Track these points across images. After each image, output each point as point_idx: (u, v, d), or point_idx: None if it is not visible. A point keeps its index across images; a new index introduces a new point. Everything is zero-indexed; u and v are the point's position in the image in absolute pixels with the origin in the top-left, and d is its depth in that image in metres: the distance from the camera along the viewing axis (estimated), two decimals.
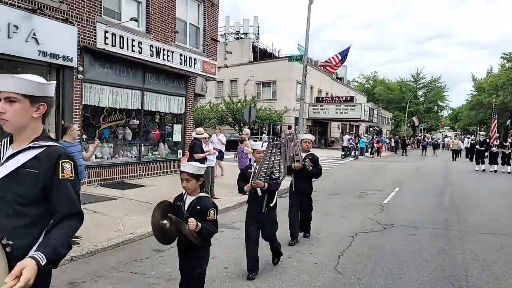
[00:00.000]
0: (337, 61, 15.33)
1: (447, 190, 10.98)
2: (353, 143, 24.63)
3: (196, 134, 7.82)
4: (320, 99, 33.10)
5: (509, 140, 16.72)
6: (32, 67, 7.92)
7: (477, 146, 18.08)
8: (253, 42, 35.08)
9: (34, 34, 7.35)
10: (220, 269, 4.37)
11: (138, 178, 10.39)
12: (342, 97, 33.02)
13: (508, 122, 19.30)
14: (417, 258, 4.88)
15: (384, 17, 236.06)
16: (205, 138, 8.00)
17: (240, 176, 4.28)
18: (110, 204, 7.29)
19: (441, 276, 4.31)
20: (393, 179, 13.43)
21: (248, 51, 33.43)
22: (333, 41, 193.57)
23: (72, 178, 1.69)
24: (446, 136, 56.93)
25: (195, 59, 12.24)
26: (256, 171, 4.04)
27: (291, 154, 5.22)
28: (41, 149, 1.67)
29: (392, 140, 35.97)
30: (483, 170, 16.54)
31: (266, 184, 4.03)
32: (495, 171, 16.21)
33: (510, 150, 16.14)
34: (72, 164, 1.71)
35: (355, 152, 24.32)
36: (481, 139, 18.31)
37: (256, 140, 11.17)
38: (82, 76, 8.62)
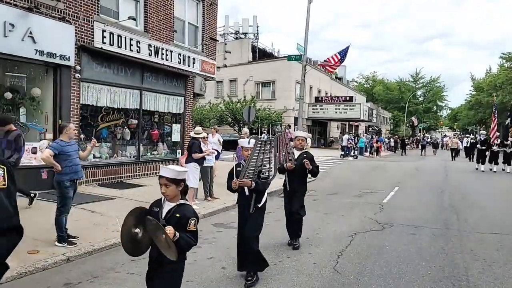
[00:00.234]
0: (336, 60, 15.30)
1: (446, 190, 10.95)
2: (353, 143, 24.63)
3: (195, 133, 7.77)
4: (320, 99, 33.09)
5: (510, 139, 16.67)
6: (29, 66, 7.89)
7: (478, 146, 18.04)
8: (252, 42, 35.02)
9: (30, 33, 7.30)
10: (218, 269, 4.32)
11: (137, 178, 10.35)
12: (341, 97, 33.01)
13: (508, 121, 19.25)
14: (417, 258, 4.85)
15: (384, 17, 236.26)
16: (204, 138, 7.96)
17: (229, 174, 4.08)
18: (108, 204, 7.24)
19: (441, 276, 4.27)
20: (393, 178, 13.41)
21: (247, 51, 33.38)
22: (333, 41, 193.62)
23: (5, 186, 1.45)
24: (445, 136, 56.97)
25: (194, 59, 12.19)
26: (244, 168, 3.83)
27: (283, 153, 4.99)
28: None
29: (392, 139, 36.01)
30: (482, 171, 16.48)
31: (254, 183, 3.84)
32: (495, 171, 16.18)
33: (511, 149, 16.09)
34: (5, 169, 1.47)
35: (354, 152, 24.31)
36: (482, 138, 18.27)
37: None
38: (79, 76, 8.57)
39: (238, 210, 4.17)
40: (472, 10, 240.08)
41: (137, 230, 2.50)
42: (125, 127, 10.52)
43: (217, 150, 11.05)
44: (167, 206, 2.58)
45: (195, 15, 12.69)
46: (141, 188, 9.15)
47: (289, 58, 16.67)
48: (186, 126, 12.26)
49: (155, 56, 10.60)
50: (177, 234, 2.40)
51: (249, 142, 4.09)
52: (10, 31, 6.98)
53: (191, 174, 7.33)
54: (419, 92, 59.80)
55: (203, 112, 28.24)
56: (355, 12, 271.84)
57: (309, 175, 5.31)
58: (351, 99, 32.72)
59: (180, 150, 12.03)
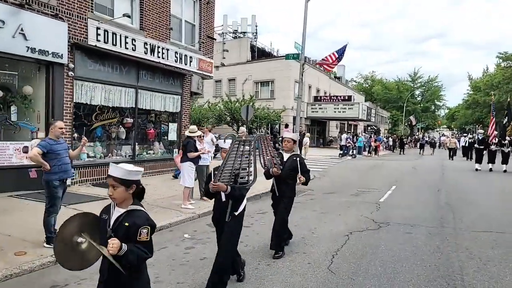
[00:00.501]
0: (334, 59, 15.18)
1: (443, 188, 10.89)
2: (351, 142, 24.61)
3: (189, 132, 7.68)
4: (318, 98, 33.06)
5: (507, 138, 16.61)
6: (21, 64, 7.77)
7: (476, 145, 17.96)
8: (251, 42, 34.92)
9: (22, 30, 7.18)
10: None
11: None
12: (340, 96, 32.99)
13: (505, 120, 19.20)
14: (412, 257, 4.78)
15: (382, 16, 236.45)
16: (199, 136, 7.86)
17: (207, 178, 3.71)
18: (101, 204, 7.06)
19: (436, 275, 4.20)
20: (390, 177, 13.35)
21: (246, 50, 33.27)
22: (331, 40, 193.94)
23: None
24: (443, 135, 57.03)
25: (190, 57, 12.09)
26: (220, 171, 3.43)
27: (268, 157, 4.64)
28: None
29: (390, 139, 35.99)
30: (476, 170, 16.31)
31: (229, 188, 3.45)
32: (491, 169, 16.07)
33: (509, 149, 16.01)
34: None
35: (353, 151, 24.27)
36: (480, 138, 18.20)
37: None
38: (73, 74, 8.47)
39: (213, 217, 3.74)
40: (471, 10, 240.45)
41: (80, 239, 2.15)
42: (120, 126, 10.42)
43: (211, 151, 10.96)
44: (116, 213, 2.20)
45: (192, 13, 12.60)
46: None
47: (287, 56, 16.56)
48: (183, 125, 12.17)
49: (151, 54, 10.50)
50: (124, 247, 2.02)
51: (224, 141, 3.75)
52: (0, 27, 6.87)
53: (187, 173, 7.24)
54: (417, 92, 59.90)
55: (202, 112, 28.14)
56: (353, 11, 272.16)
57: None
58: (350, 98, 32.72)
59: (177, 150, 11.94)
